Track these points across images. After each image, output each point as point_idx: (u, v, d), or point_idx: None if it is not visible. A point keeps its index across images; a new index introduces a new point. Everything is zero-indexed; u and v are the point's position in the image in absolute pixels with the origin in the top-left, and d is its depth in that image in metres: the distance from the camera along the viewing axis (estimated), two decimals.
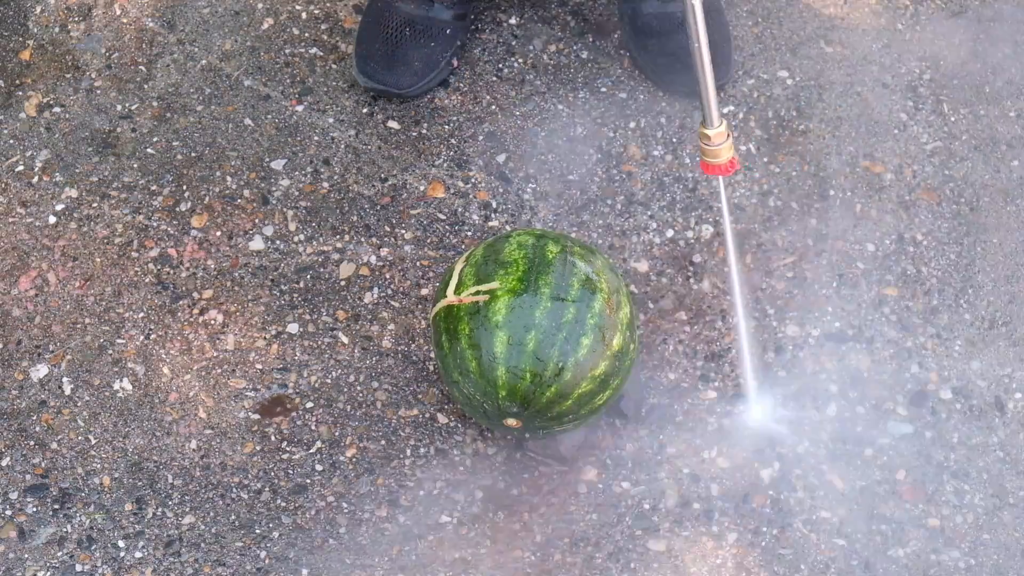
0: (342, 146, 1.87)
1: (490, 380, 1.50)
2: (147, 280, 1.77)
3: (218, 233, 1.80)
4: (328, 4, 2.00)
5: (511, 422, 1.53)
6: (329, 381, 1.70)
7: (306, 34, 1.97)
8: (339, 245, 1.80)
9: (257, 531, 1.60)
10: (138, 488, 1.63)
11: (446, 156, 1.86)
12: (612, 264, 1.59)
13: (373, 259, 1.79)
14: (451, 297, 1.54)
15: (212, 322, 1.74)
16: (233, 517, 1.61)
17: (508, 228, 1.80)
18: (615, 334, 1.51)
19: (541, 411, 1.51)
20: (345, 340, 1.73)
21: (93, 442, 1.66)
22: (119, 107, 1.91)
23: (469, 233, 1.80)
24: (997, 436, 1.69)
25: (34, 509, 1.62)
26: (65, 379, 1.70)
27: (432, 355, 1.70)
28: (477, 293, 1.52)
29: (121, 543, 1.60)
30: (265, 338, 1.73)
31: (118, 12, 1.99)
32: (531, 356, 1.48)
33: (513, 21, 1.98)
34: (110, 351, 1.72)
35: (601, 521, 1.61)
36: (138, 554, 1.59)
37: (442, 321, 1.55)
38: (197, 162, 1.86)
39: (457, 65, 1.92)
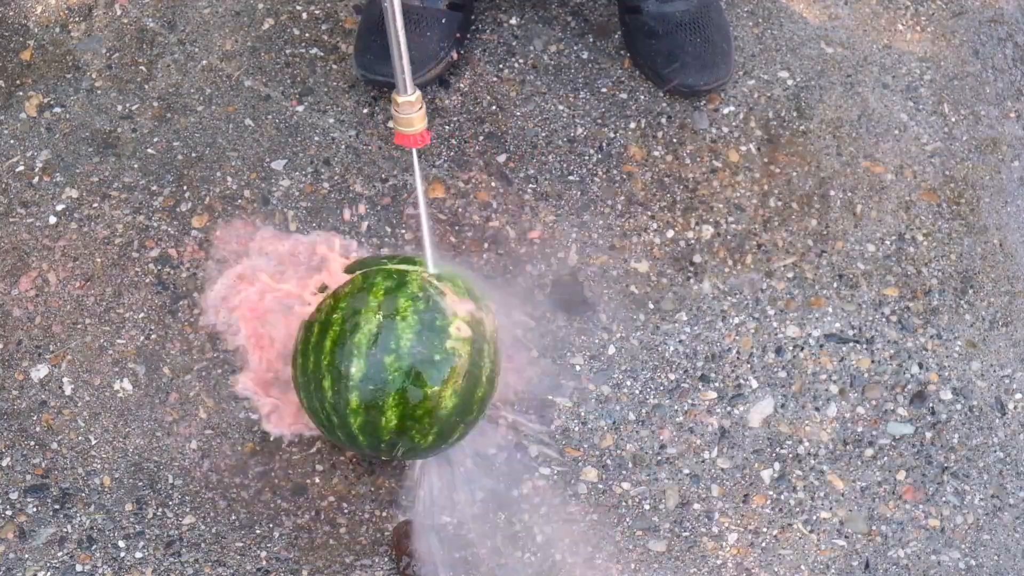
0: (342, 146, 1.87)
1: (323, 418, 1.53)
2: (147, 280, 1.77)
3: (219, 233, 1.80)
4: (328, 4, 2.00)
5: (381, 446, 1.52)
6: None
7: (306, 34, 1.97)
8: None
9: (257, 531, 1.60)
10: (138, 488, 1.63)
11: (446, 156, 1.86)
12: (389, 271, 1.52)
13: None
14: None
15: None
16: (233, 517, 1.61)
17: (508, 229, 1.80)
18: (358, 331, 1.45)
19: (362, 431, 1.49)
20: None
21: (93, 442, 1.66)
22: (120, 107, 1.91)
23: (469, 233, 1.80)
24: (997, 437, 1.69)
25: (34, 509, 1.62)
26: (65, 379, 1.70)
27: None
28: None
29: (121, 543, 1.60)
30: None
31: (118, 12, 1.99)
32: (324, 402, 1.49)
33: (514, 22, 1.98)
34: (110, 351, 1.72)
35: (601, 521, 1.61)
36: (138, 554, 1.59)
37: None
38: (198, 162, 1.86)
39: (457, 58, 1.92)
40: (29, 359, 1.71)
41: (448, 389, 1.46)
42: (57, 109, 1.91)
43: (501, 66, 1.94)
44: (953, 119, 1.92)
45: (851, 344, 1.74)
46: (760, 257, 1.80)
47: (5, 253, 1.79)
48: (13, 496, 1.62)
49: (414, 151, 1.47)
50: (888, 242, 1.81)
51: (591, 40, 1.97)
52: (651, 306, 1.76)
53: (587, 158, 1.87)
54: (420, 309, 1.47)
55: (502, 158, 1.87)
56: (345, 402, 1.46)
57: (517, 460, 1.65)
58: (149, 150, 1.87)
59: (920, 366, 1.73)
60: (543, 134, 1.89)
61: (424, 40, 1.86)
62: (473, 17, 1.97)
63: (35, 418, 1.67)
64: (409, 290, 1.48)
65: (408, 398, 1.45)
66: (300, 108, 1.91)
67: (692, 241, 1.80)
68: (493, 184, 1.84)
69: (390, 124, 1.51)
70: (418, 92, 1.42)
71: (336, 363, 1.46)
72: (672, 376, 1.71)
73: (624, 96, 1.92)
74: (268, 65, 1.94)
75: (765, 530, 1.62)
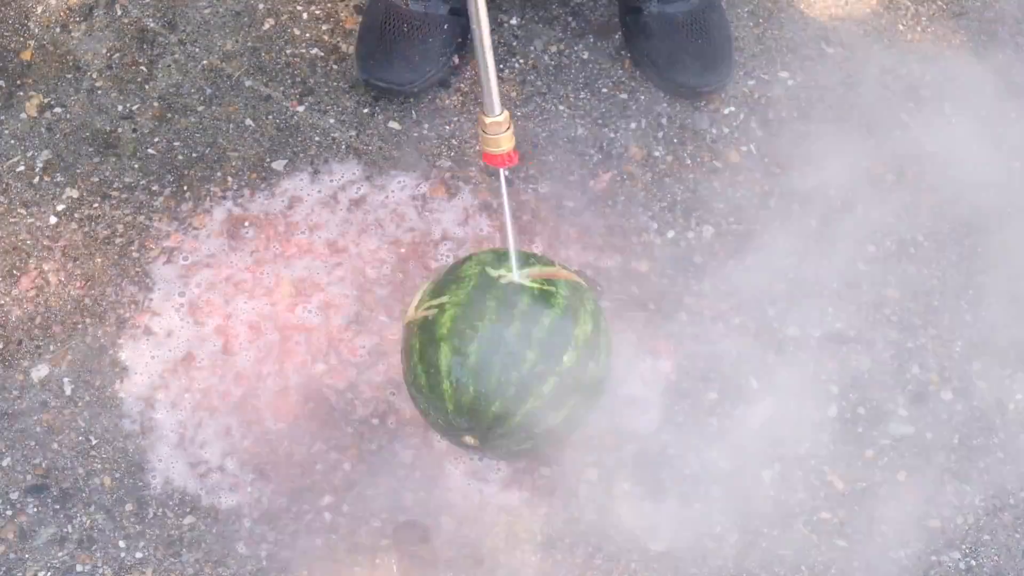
0: (343, 147, 1.88)
1: (437, 394, 1.45)
2: (147, 281, 1.77)
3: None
4: (329, 4, 2.00)
5: (468, 439, 1.49)
6: None
7: (307, 34, 1.97)
8: None
9: (257, 531, 1.60)
10: (138, 488, 1.63)
11: (447, 156, 1.86)
12: (578, 283, 1.53)
13: None
14: (409, 315, 1.50)
15: None
16: (233, 517, 1.61)
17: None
18: (566, 349, 1.45)
19: (491, 427, 1.46)
20: None
21: (93, 442, 1.66)
22: (120, 107, 1.91)
23: (470, 233, 1.80)
24: (997, 437, 1.69)
25: (35, 509, 1.62)
26: (65, 379, 1.70)
27: None
28: (429, 308, 1.48)
29: (122, 543, 1.60)
30: None
31: (119, 12, 2.00)
32: (472, 370, 1.43)
33: (514, 22, 1.99)
34: (110, 351, 1.72)
35: (601, 521, 1.61)
36: (139, 554, 1.59)
37: (403, 341, 1.52)
38: (198, 162, 1.86)
39: (458, 63, 1.92)
40: (29, 359, 1.71)
41: None
42: (58, 109, 1.91)
43: (501, 66, 1.94)
44: (954, 120, 1.92)
45: (851, 344, 1.74)
46: (761, 257, 1.80)
47: (5, 253, 1.79)
48: (13, 496, 1.63)
49: (502, 172, 1.47)
50: (889, 243, 1.81)
51: (592, 40, 1.97)
52: (651, 306, 1.76)
53: (587, 158, 1.87)
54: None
55: None
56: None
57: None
58: (149, 150, 1.87)
59: (920, 366, 1.73)
60: (543, 134, 1.89)
61: (426, 46, 1.87)
62: None
63: (35, 418, 1.67)
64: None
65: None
66: (301, 108, 1.91)
67: (692, 241, 1.80)
68: (494, 184, 1.84)
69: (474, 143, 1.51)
70: (506, 112, 1.41)
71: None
72: (672, 376, 1.71)
73: (624, 96, 1.92)
74: (268, 65, 1.94)
75: (765, 530, 1.62)
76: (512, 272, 1.48)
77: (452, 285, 1.48)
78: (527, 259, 1.52)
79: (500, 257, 1.51)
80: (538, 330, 1.43)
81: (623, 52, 1.96)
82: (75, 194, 1.83)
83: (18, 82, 1.93)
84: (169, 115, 1.90)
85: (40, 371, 1.71)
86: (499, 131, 1.41)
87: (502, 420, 1.45)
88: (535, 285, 1.46)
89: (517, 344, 1.42)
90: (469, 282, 1.47)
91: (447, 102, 1.91)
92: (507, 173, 1.49)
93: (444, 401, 1.45)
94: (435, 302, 1.47)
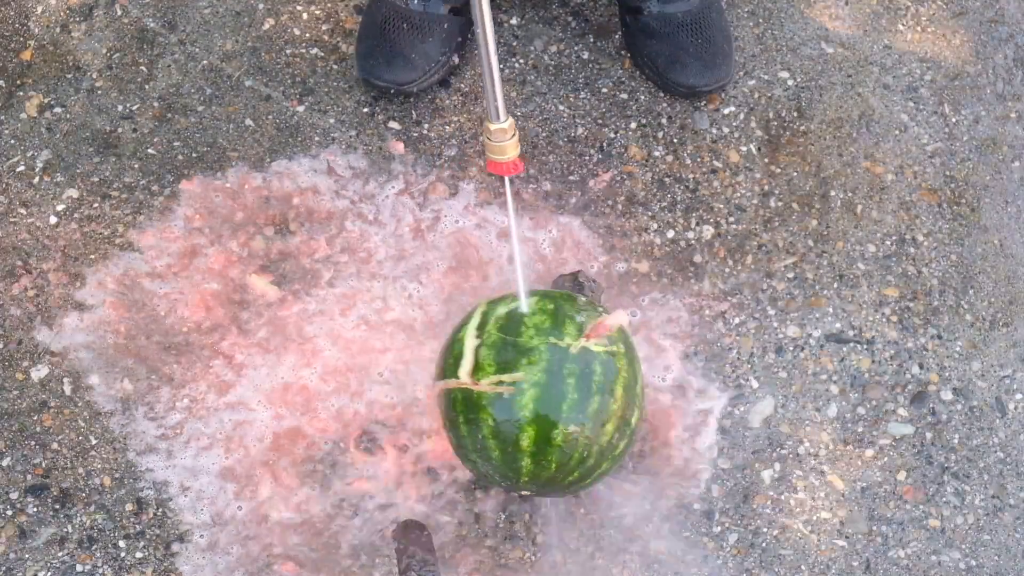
0: (343, 146, 1.88)
1: (514, 468, 1.45)
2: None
3: None
4: (329, 4, 2.00)
5: (525, 492, 1.51)
6: None
7: (307, 34, 1.97)
8: None
9: (257, 530, 1.60)
10: (138, 488, 1.63)
11: (447, 156, 1.86)
12: (624, 329, 1.51)
13: None
14: (467, 380, 1.45)
15: None
16: (234, 516, 1.61)
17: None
18: (633, 411, 1.47)
19: (562, 490, 1.50)
20: None
21: (93, 442, 1.66)
22: (120, 107, 1.91)
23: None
24: (998, 437, 1.69)
25: (35, 509, 1.62)
26: (65, 379, 1.70)
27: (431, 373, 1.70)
28: (500, 383, 1.43)
29: (121, 543, 1.60)
30: None
31: (119, 12, 2.00)
32: (558, 449, 1.43)
33: (514, 22, 1.99)
34: (111, 351, 1.72)
35: (602, 521, 1.61)
36: (138, 554, 1.59)
37: (459, 403, 1.47)
38: (198, 162, 1.86)
39: (458, 62, 1.92)
40: (29, 359, 1.71)
41: None
42: (58, 109, 1.91)
43: (502, 66, 1.94)
44: (954, 119, 1.92)
45: (851, 344, 1.74)
46: (760, 257, 1.80)
47: (5, 253, 1.79)
48: (13, 496, 1.63)
49: (507, 180, 1.46)
50: (888, 242, 1.82)
51: (592, 40, 1.97)
52: (650, 305, 1.76)
53: (587, 158, 1.87)
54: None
55: None
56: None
57: None
58: (149, 150, 1.87)
59: (920, 366, 1.73)
60: (543, 134, 1.89)
61: (426, 46, 1.87)
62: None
63: (35, 418, 1.68)
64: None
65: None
66: (300, 108, 1.91)
67: (692, 241, 1.80)
68: (493, 184, 1.84)
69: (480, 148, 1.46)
70: (511, 119, 1.39)
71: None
72: (673, 376, 1.71)
73: (624, 96, 1.92)
74: (268, 65, 1.94)
75: (765, 530, 1.62)
76: (577, 340, 1.45)
77: (522, 359, 1.44)
78: (575, 310, 1.49)
79: (555, 318, 1.47)
80: (613, 401, 1.44)
81: (623, 52, 1.96)
82: (75, 194, 1.83)
83: (18, 82, 1.93)
84: (169, 115, 1.90)
85: (40, 371, 1.71)
86: (504, 138, 1.39)
87: (575, 484, 1.48)
88: (601, 349, 1.45)
89: (598, 419, 1.43)
90: (539, 356, 1.44)
91: (447, 102, 1.91)
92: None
93: (519, 475, 1.46)
94: (508, 379, 1.43)
